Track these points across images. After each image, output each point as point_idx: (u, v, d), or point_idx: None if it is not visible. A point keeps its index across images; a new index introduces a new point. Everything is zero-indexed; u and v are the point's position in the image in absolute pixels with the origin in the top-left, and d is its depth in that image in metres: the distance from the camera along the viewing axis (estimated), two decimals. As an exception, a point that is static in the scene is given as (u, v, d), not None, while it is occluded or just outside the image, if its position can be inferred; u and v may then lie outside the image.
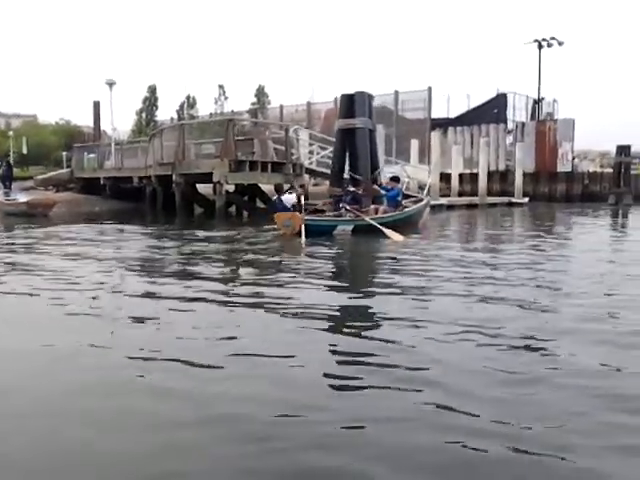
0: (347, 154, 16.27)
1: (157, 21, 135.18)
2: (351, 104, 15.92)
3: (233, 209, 21.81)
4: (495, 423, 3.14)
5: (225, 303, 6.14)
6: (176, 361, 4.21)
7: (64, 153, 32.50)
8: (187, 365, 4.13)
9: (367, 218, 13.03)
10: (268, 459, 2.80)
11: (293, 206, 13.70)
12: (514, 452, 2.86)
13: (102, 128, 38.81)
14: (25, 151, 39.26)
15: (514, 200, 28.98)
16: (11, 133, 45.39)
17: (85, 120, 50.17)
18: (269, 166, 19.39)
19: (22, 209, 18.67)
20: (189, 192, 20.61)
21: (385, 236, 12.11)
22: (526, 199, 29.75)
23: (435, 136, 26.72)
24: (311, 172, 22.79)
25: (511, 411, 3.30)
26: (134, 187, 24.97)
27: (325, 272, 8.49)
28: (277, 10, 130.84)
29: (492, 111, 38.85)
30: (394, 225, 13.02)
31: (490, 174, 34.28)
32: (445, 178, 30.83)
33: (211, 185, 19.52)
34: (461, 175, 31.77)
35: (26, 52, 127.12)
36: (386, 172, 23.97)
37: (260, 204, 22.18)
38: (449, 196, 28.07)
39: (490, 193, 31.77)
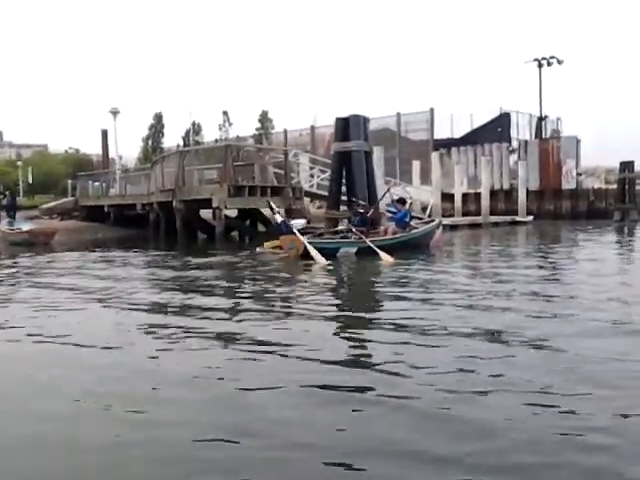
0: (344, 177, 16.35)
1: (163, 50, 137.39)
2: (346, 127, 16.04)
3: (236, 234, 21.89)
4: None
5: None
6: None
7: (69, 181, 32.82)
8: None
9: (367, 241, 12.97)
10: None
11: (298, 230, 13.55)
12: None
13: (111, 156, 39.35)
14: (30, 181, 39.64)
15: (518, 219, 28.84)
16: (20, 163, 45.98)
17: (94, 149, 50.88)
18: (268, 190, 19.45)
19: (24, 238, 18.83)
20: (191, 218, 20.68)
21: (379, 257, 12.15)
22: (530, 217, 29.60)
23: (435, 157, 26.76)
24: (311, 195, 22.86)
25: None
26: (137, 214, 25.12)
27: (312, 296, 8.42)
28: (280, 36, 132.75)
29: (496, 130, 39.01)
30: (402, 246, 13.14)
31: (494, 193, 34.24)
32: (448, 198, 30.85)
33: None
34: (465, 195, 31.76)
35: (37, 84, 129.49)
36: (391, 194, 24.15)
37: (262, 228, 22.28)
38: (453, 216, 28.02)
39: (495, 212, 31.68)
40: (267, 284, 9.54)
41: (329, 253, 12.63)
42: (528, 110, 41.38)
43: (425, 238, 14.74)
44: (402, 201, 15.62)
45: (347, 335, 5.91)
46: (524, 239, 21.61)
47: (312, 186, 22.98)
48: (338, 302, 8.06)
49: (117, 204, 26.20)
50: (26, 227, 19.98)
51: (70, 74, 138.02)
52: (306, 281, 10.24)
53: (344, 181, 16.76)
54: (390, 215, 15.17)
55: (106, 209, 26.50)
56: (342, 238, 13.91)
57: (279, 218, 14.21)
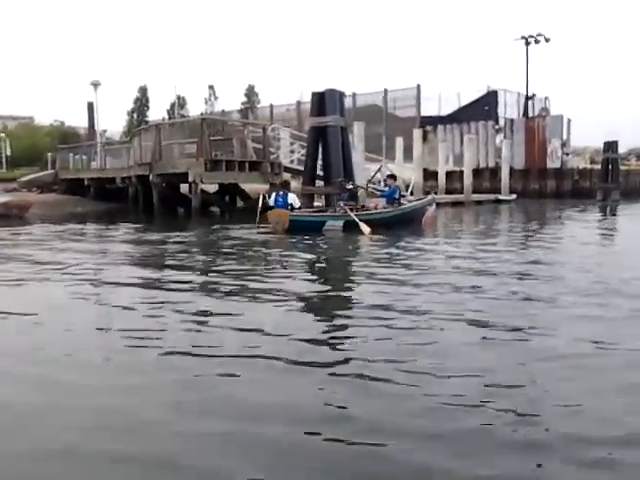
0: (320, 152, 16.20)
1: (150, 23, 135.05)
2: (322, 102, 15.87)
3: (217, 209, 21.68)
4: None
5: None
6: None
7: (49, 154, 32.41)
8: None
9: (351, 214, 12.86)
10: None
11: (291, 206, 13.54)
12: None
13: (96, 129, 38.87)
14: (9, 152, 39.12)
15: (501, 197, 28.84)
16: (2, 135, 45.38)
17: (81, 121, 50.21)
18: (246, 165, 19.24)
19: (1, 210, 18.60)
20: (168, 192, 20.48)
21: (360, 230, 12.17)
22: (513, 196, 29.59)
23: (417, 134, 26.56)
24: (291, 171, 22.66)
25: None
26: (118, 188, 24.82)
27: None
28: (267, 9, 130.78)
29: (483, 108, 38.87)
30: (392, 221, 13.04)
31: (479, 171, 34.23)
32: (433, 176, 30.77)
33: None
34: (449, 173, 31.68)
35: (23, 54, 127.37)
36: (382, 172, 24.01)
37: (241, 204, 22.14)
38: (436, 194, 27.87)
39: (480, 191, 31.65)
40: (234, 260, 9.46)
41: (315, 227, 12.58)
42: (517, 89, 41.22)
43: (416, 214, 14.40)
44: (393, 177, 15.38)
45: (310, 313, 5.79)
46: (506, 217, 21.65)
47: (292, 162, 22.78)
48: (305, 277, 7.86)
49: (97, 177, 25.88)
50: (1, 200, 19.71)
51: (57, 46, 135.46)
52: (281, 257, 10.10)
53: (320, 156, 16.63)
54: (379, 193, 14.95)
55: (86, 182, 26.17)
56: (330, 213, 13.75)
57: (272, 195, 14.01)
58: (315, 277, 8.13)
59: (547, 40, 35.98)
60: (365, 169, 22.99)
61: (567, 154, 34.02)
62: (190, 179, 18.25)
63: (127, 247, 11.45)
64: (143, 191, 21.37)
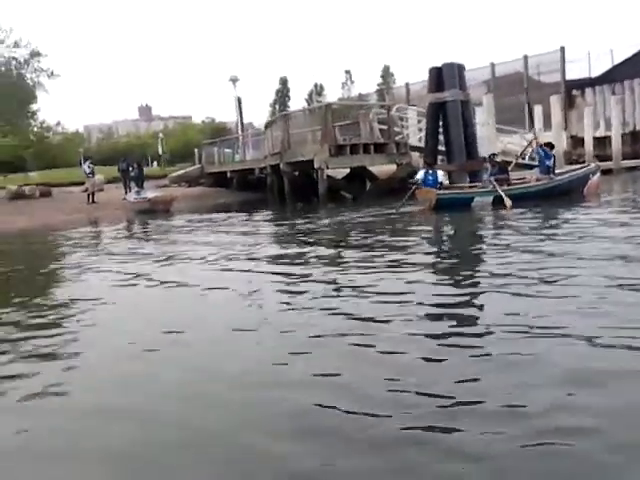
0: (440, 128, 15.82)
1: (289, 14, 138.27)
2: (440, 77, 15.47)
3: (348, 194, 21.84)
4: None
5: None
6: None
7: (196, 150, 34.59)
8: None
9: (499, 189, 12.65)
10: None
11: (440, 184, 13.70)
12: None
13: (246, 122, 41.11)
14: (161, 151, 42.39)
15: (658, 162, 26.03)
16: (161, 135, 49.24)
17: (231, 116, 53.15)
18: (371, 148, 19.27)
19: (146, 206, 20.30)
20: (299, 180, 21.00)
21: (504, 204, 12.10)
22: (675, 161, 26.58)
23: (555, 99, 24.82)
24: (418, 149, 22.29)
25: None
26: (258, 178, 25.93)
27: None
28: None
29: (640, 65, 35.29)
30: (547, 194, 12.68)
31: (635, 134, 31.31)
32: (580, 143, 28.67)
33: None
34: (599, 139, 29.25)
35: (178, 60, 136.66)
36: (505, 142, 22.95)
37: (370, 185, 22.16)
38: (583, 162, 25.96)
39: (637, 156, 29.00)
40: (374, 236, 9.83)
41: (463, 203, 12.73)
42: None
43: (575, 184, 13.59)
44: (549, 145, 14.32)
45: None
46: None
47: (420, 140, 22.38)
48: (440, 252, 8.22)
49: (239, 169, 27.25)
50: (150, 196, 21.48)
51: (206, 48, 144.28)
52: (421, 231, 10.51)
53: (441, 132, 16.23)
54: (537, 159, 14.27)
55: (229, 175, 27.67)
56: (481, 188, 13.69)
57: (420, 173, 14.09)
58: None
59: None
60: (498, 142, 22.11)
61: None
62: (316, 165, 18.64)
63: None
64: (277, 180, 22.16)
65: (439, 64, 15.85)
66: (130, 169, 24.12)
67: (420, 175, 13.92)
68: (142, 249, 10.93)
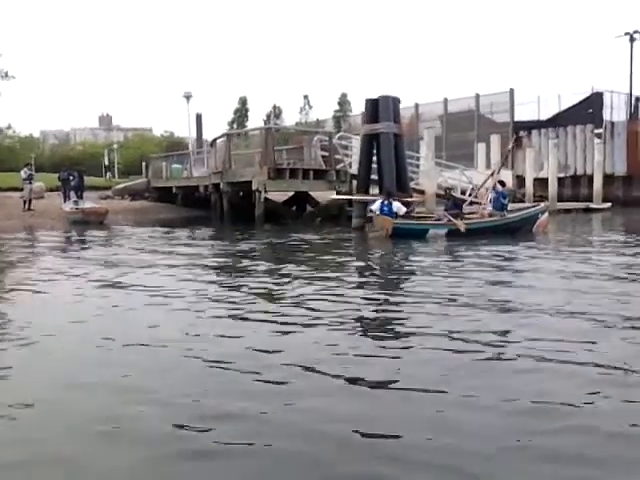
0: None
1: (251, 37, 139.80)
2: (375, 108, 15.68)
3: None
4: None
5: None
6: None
7: (143, 163, 34.24)
8: None
9: (458, 223, 13.33)
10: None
11: (396, 214, 14.12)
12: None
13: (204, 138, 40.99)
14: (107, 162, 41.99)
15: (593, 206, 26.90)
16: (115, 146, 48.77)
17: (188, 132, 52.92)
18: (311, 173, 19.40)
19: (79, 217, 19.97)
20: (239, 200, 20.95)
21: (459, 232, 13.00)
22: (607, 204, 27.53)
23: (495, 139, 25.54)
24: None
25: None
26: (204, 195, 25.70)
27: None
28: (360, 19, 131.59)
29: (586, 111, 36.56)
30: (500, 229, 13.48)
31: (576, 178, 32.42)
32: (522, 183, 29.47)
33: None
34: (542, 180, 30.13)
35: (141, 71, 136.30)
36: (445, 177, 23.39)
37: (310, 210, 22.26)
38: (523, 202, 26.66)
39: (577, 199, 30.02)
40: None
41: (418, 234, 13.21)
42: (624, 90, 38.48)
43: (526, 221, 14.43)
44: (502, 183, 15.31)
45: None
46: (598, 227, 20.16)
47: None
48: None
49: (184, 186, 27.01)
50: (85, 207, 21.16)
51: (173, 65, 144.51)
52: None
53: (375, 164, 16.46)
54: (492, 196, 14.94)
55: (174, 190, 27.40)
56: (435, 221, 14.32)
57: (377, 203, 14.51)
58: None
59: (655, 36, 33.33)
60: (439, 177, 22.53)
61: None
62: (254, 187, 18.65)
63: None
64: (219, 199, 22.06)
65: (401, 96, 16.30)
66: (71, 178, 23.69)
67: (376, 205, 14.38)
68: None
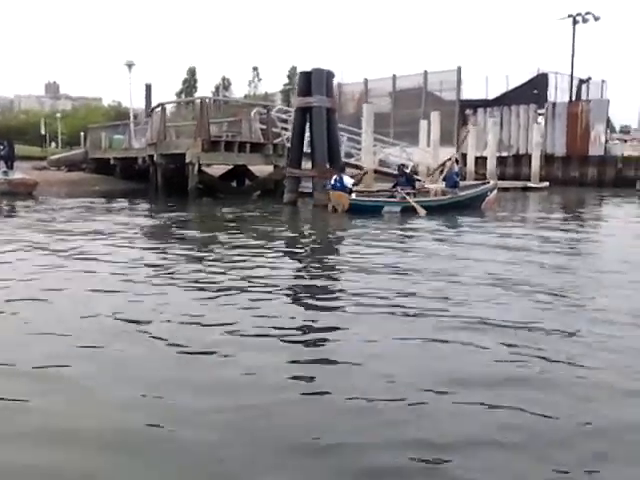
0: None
1: (203, 6, 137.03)
2: (308, 82, 15.47)
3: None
4: None
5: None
6: None
7: (82, 133, 33.31)
8: None
9: (410, 200, 13.91)
10: None
11: (350, 190, 14.43)
12: None
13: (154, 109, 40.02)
14: (43, 132, 40.77)
15: (530, 185, 27.39)
16: (59, 115, 47.26)
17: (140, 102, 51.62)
18: (247, 146, 19.08)
19: (6, 188, 19.21)
20: (174, 173, 20.51)
21: (416, 212, 13.47)
22: (545, 184, 28.09)
23: (435, 116, 25.63)
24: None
25: None
26: (143, 167, 25.07)
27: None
28: None
29: (531, 92, 37.06)
30: (451, 207, 14.14)
31: (518, 157, 32.94)
32: (463, 161, 29.73)
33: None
34: (480, 158, 30.52)
35: (91, 38, 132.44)
36: (386, 153, 23.42)
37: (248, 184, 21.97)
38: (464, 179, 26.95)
39: (518, 177, 30.55)
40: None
41: (373, 210, 13.59)
42: (569, 72, 39.09)
43: (474, 200, 15.12)
44: (457, 161, 16.42)
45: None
46: (534, 205, 20.74)
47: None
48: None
49: (122, 157, 26.31)
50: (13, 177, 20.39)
51: (123, 33, 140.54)
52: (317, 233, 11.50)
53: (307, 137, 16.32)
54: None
55: (112, 162, 26.67)
56: (389, 197, 14.72)
57: (332, 179, 14.61)
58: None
59: (596, 19, 33.77)
60: (380, 153, 22.55)
61: (607, 141, 31.85)
62: (187, 159, 18.27)
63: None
64: (155, 171, 21.56)
65: (344, 70, 16.27)
66: (0, 148, 22.80)
67: (331, 182, 14.51)
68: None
